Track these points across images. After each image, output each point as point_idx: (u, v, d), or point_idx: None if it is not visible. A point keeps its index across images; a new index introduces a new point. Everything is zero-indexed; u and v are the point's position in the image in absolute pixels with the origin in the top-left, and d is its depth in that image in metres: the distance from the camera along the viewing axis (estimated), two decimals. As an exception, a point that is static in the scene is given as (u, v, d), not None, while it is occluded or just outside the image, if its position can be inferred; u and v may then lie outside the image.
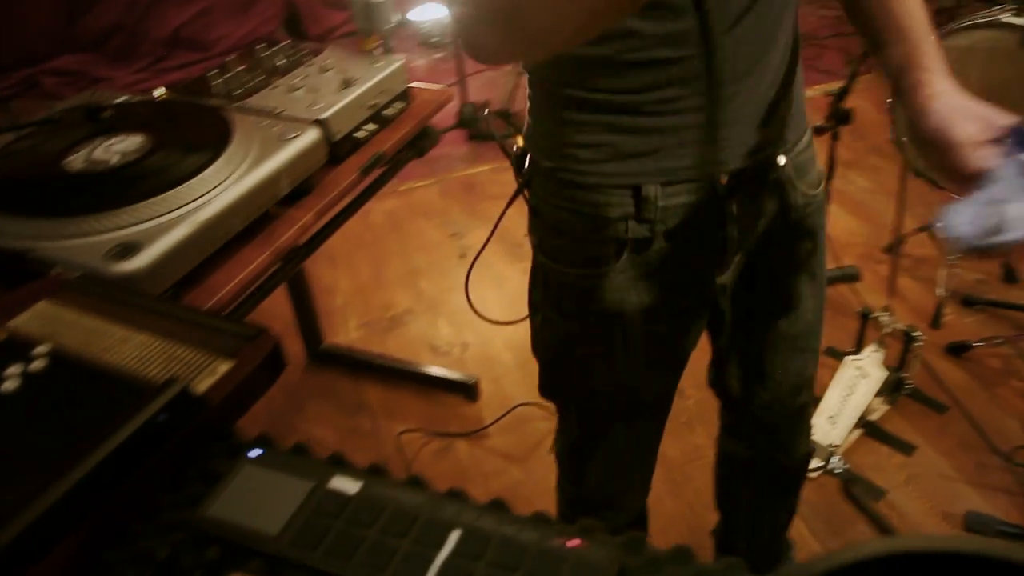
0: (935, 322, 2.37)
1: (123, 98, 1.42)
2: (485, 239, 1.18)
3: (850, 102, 1.98)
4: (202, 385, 0.67)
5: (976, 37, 2.02)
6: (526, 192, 1.03)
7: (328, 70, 1.47)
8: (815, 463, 1.93)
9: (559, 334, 1.07)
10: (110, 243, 1.02)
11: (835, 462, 1.94)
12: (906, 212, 2.32)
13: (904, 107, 0.88)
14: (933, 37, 0.89)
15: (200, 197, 1.09)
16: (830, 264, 1.90)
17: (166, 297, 1.04)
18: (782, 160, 0.99)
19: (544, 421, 2.16)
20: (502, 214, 1.11)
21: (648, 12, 0.79)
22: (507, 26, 0.69)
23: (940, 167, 0.84)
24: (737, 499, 1.49)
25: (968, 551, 0.36)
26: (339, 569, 0.54)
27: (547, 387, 1.17)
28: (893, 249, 2.45)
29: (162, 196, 1.08)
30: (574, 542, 0.54)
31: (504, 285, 2.69)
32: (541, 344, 1.12)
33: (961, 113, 0.83)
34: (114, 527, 0.59)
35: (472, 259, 1.20)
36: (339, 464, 0.63)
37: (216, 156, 1.16)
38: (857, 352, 2.18)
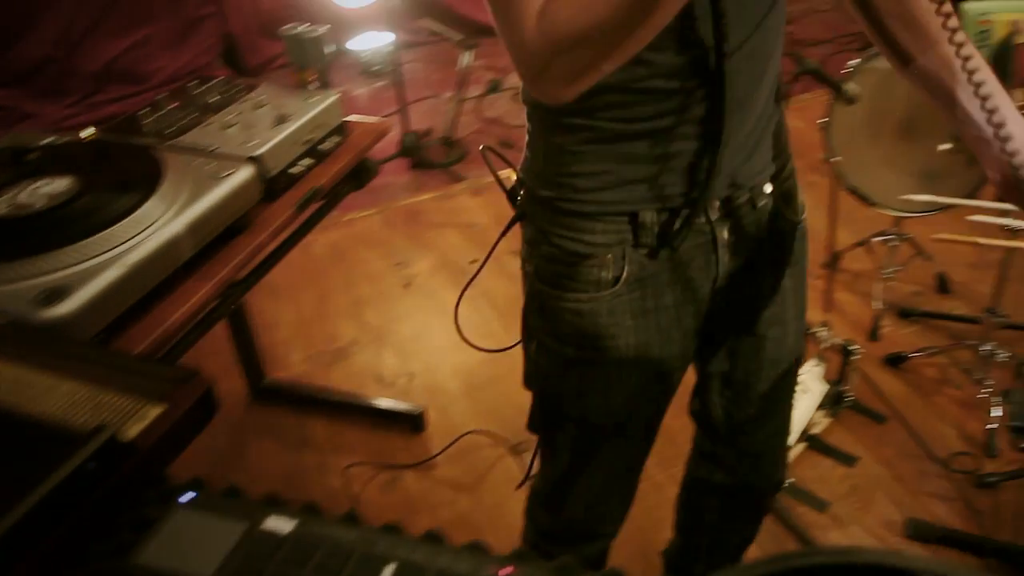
0: (873, 335, 2.44)
1: (50, 139, 1.40)
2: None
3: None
4: (131, 431, 0.66)
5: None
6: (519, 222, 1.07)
7: (262, 106, 1.47)
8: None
9: (556, 360, 1.09)
10: (37, 289, 1.00)
11: (780, 476, 1.99)
12: (841, 228, 2.40)
13: (985, 158, 0.95)
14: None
15: (131, 239, 1.08)
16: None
17: (96, 342, 1.02)
18: (769, 188, 1.03)
19: (492, 449, 2.16)
20: (496, 243, 1.14)
21: (659, 44, 0.81)
22: (593, 45, 0.73)
23: None
24: (702, 523, 1.50)
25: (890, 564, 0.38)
26: (273, 610, 0.54)
27: (539, 418, 1.18)
28: (830, 264, 2.52)
29: (91, 239, 1.06)
30: (507, 570, 0.55)
31: (450, 313, 2.68)
32: (536, 371, 1.13)
33: None
34: (43, 579, 0.58)
35: (466, 282, 1.23)
36: (274, 504, 0.63)
37: (147, 197, 1.15)
38: (797, 368, 2.24)
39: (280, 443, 2.24)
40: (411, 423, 2.24)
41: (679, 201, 0.95)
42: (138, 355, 1.04)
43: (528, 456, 2.08)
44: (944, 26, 0.86)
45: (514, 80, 4.39)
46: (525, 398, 2.30)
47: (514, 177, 1.07)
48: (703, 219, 0.98)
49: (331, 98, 1.51)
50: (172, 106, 1.48)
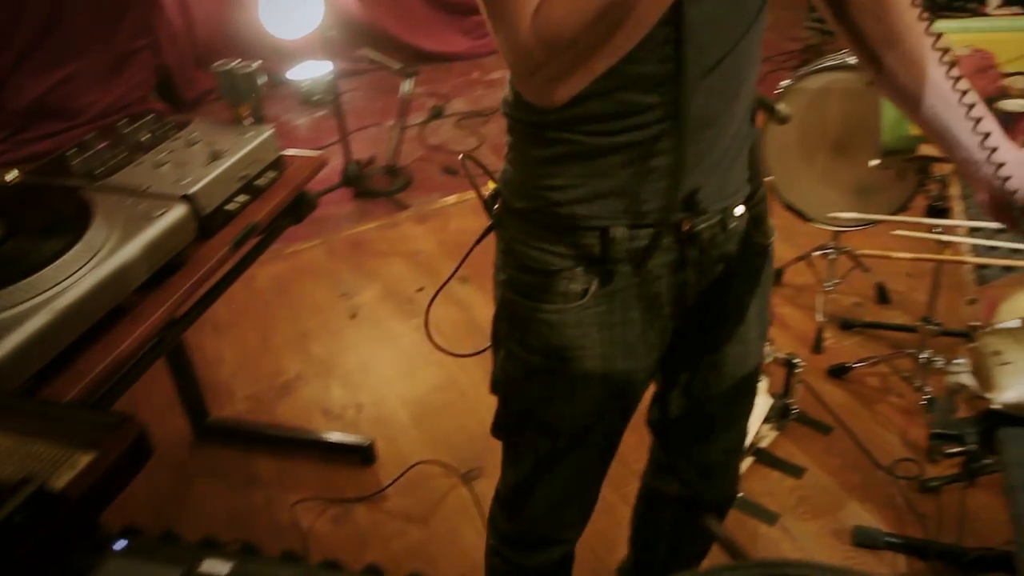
0: (816, 347, 2.50)
1: (-27, 181, 1.36)
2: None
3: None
4: (60, 481, 0.65)
5: (829, 78, 2.18)
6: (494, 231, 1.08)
7: (195, 143, 1.45)
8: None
9: (522, 368, 1.10)
10: (-40, 338, 0.97)
11: (728, 491, 2.01)
12: (783, 243, 2.46)
13: (976, 181, 0.97)
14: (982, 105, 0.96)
15: (58, 284, 1.06)
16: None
17: (24, 390, 0.99)
18: (740, 210, 1.05)
19: (443, 478, 2.15)
20: (468, 253, 1.15)
21: (637, 56, 0.82)
22: (586, 44, 0.75)
23: None
24: (658, 536, 1.52)
25: None
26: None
27: (503, 424, 1.19)
28: (773, 280, 2.57)
29: (16, 286, 1.04)
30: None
31: (398, 342, 2.68)
32: (503, 378, 1.15)
33: None
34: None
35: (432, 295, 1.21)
36: (210, 546, 0.62)
37: (75, 240, 1.13)
38: (741, 383, 2.27)
39: (225, 483, 2.19)
40: (360, 455, 2.21)
41: (649, 219, 0.97)
42: (68, 402, 1.02)
43: (480, 483, 2.09)
44: (933, 47, 0.89)
45: (457, 106, 4.43)
46: (475, 425, 2.32)
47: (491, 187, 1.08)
48: (673, 237, 1.00)
49: (266, 133, 1.50)
50: (101, 146, 1.45)
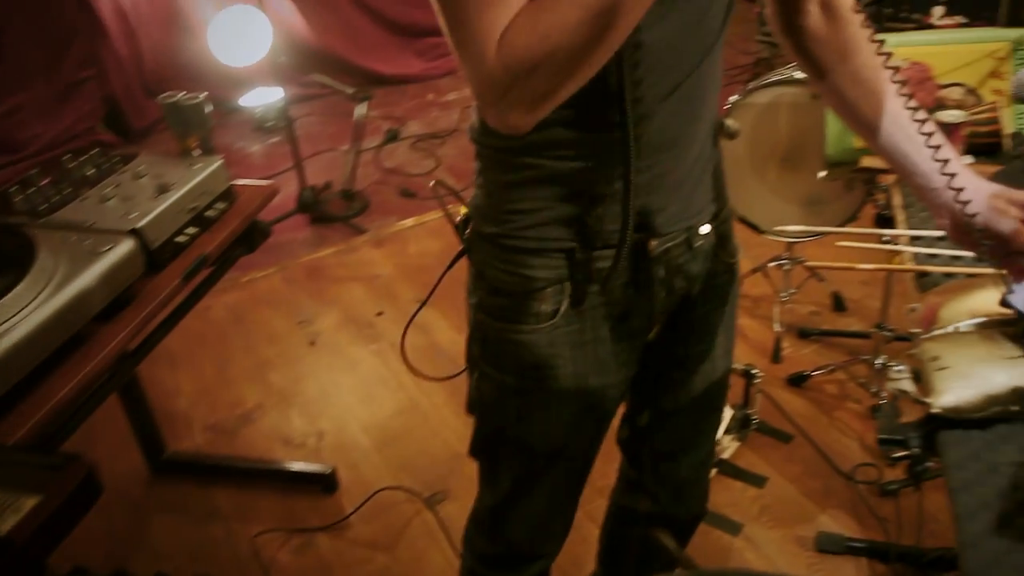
0: (775, 356, 2.53)
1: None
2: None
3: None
4: (5, 525, 0.64)
5: (776, 93, 2.23)
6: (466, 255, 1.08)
7: (142, 176, 1.44)
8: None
9: (496, 388, 1.11)
10: (-102, 384, 0.95)
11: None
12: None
13: (935, 207, 0.99)
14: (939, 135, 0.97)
15: (1, 325, 1.04)
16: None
17: (-33, 436, 0.97)
18: (706, 229, 1.07)
19: (407, 503, 2.13)
20: (439, 279, 1.14)
21: (593, 80, 0.82)
22: (551, 71, 0.75)
23: (992, 255, 0.95)
24: (626, 553, 1.52)
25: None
26: None
27: (480, 444, 1.20)
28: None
29: (-44, 328, 1.02)
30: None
31: (358, 368, 2.66)
32: (479, 399, 1.15)
33: (999, 207, 0.93)
34: None
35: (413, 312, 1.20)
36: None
37: (18, 279, 1.11)
38: (701, 396, 2.30)
39: (184, 517, 2.15)
40: (322, 484, 2.19)
41: (615, 239, 0.98)
42: (12, 445, 0.99)
43: (445, 506, 2.08)
44: (884, 65, 0.91)
45: (412, 128, 4.43)
46: (438, 448, 2.31)
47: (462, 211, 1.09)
48: (640, 256, 1.01)
49: (215, 164, 1.49)
50: (44, 182, 1.43)
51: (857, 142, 1.72)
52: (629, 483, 1.43)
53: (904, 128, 0.99)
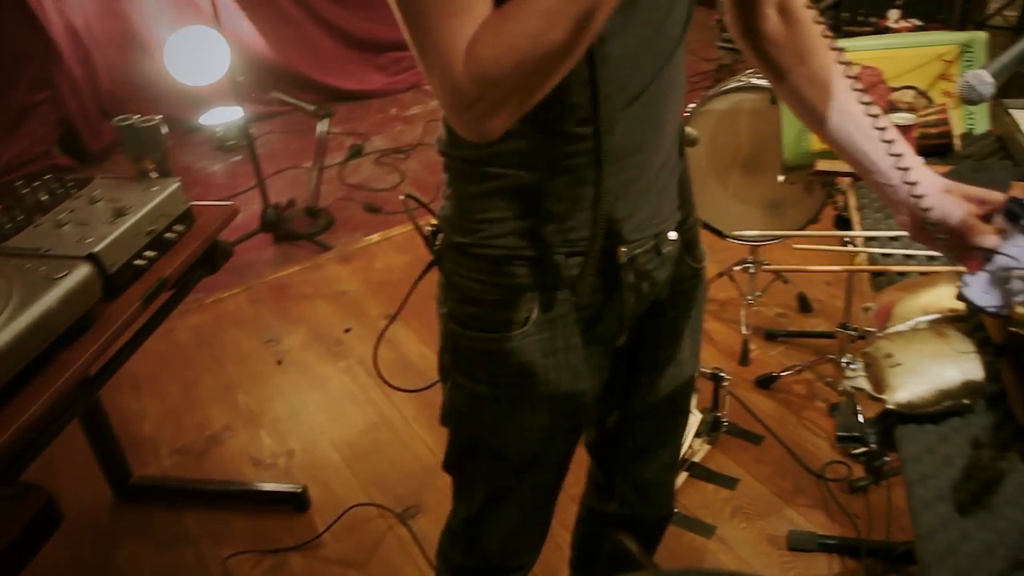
0: (743, 359, 2.56)
1: None
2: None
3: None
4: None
5: (735, 99, 2.26)
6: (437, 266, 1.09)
7: (98, 200, 1.42)
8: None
9: (469, 397, 1.11)
10: None
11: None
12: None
13: (893, 203, 1.00)
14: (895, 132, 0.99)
15: (-46, 355, 1.02)
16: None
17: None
18: (674, 235, 1.08)
19: (380, 519, 2.12)
20: (410, 291, 1.13)
21: (556, 89, 0.83)
22: (518, 81, 0.76)
23: (948, 250, 0.96)
24: (597, 555, 1.53)
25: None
26: None
27: (454, 456, 1.20)
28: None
29: (-93, 361, 0.99)
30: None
31: (327, 385, 2.64)
32: (452, 409, 1.15)
33: (953, 201, 0.94)
34: None
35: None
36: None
37: (-30, 308, 1.09)
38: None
39: (152, 543, 2.12)
40: (293, 503, 2.17)
41: (583, 246, 0.99)
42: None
43: (418, 520, 2.07)
44: (837, 62, 0.92)
45: (376, 144, 4.42)
46: (410, 462, 2.30)
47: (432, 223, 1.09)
48: (608, 263, 1.02)
49: (172, 187, 1.48)
50: (-4, 209, 1.41)
51: (813, 145, 1.75)
52: (597, 486, 1.44)
53: (861, 126, 1.01)
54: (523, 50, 0.75)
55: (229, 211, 1.66)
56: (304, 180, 3.85)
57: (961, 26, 3.50)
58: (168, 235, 1.47)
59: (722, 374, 2.22)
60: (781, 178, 1.88)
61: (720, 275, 2.72)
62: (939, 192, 0.96)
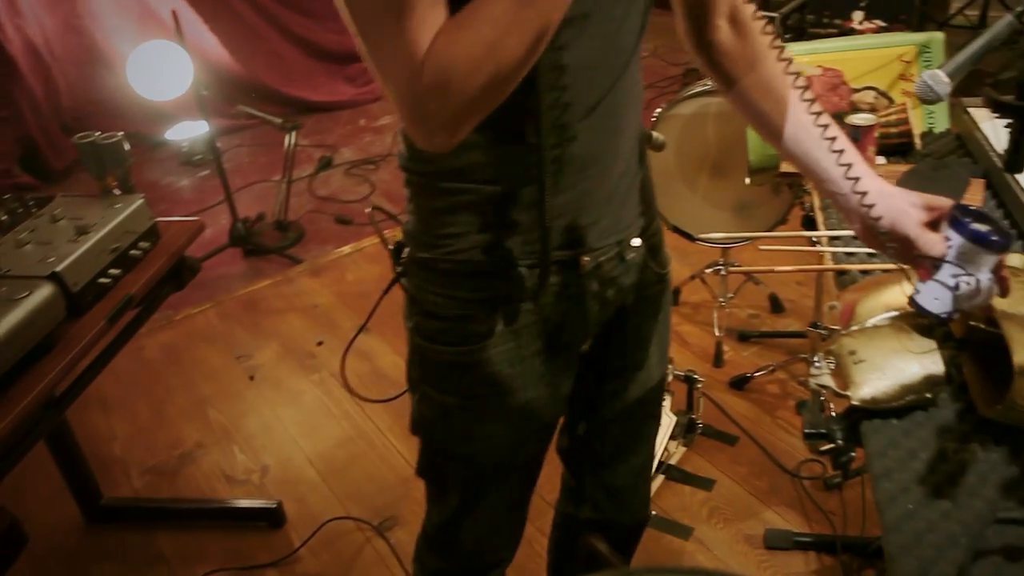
0: (717, 360, 2.58)
1: None
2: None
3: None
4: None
5: (702, 103, 2.29)
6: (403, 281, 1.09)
7: (60, 219, 1.40)
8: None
9: (437, 408, 1.11)
10: None
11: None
12: (676, 263, 2.53)
13: (845, 211, 1.01)
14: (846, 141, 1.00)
15: (-88, 380, 1.00)
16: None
17: None
18: (637, 242, 1.09)
19: (357, 532, 2.10)
20: (375, 306, 1.14)
21: (508, 101, 0.83)
22: (489, 76, 0.76)
23: (898, 257, 0.97)
24: (573, 562, 1.52)
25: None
26: None
27: (426, 463, 1.20)
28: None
29: None
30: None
31: (300, 399, 2.62)
32: (421, 419, 1.16)
33: (903, 209, 0.96)
34: None
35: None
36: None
37: (-71, 332, 1.07)
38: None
39: (124, 565, 2.08)
40: (269, 519, 2.15)
41: (542, 257, 0.99)
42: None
43: (396, 531, 2.05)
44: (786, 72, 0.94)
45: (346, 155, 4.41)
46: (386, 473, 2.29)
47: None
48: (572, 272, 1.03)
49: (136, 203, 1.46)
50: (-45, 230, 1.39)
51: (777, 147, 1.77)
52: (570, 491, 1.44)
53: (812, 135, 1.02)
54: (479, 58, 0.75)
55: (195, 226, 1.65)
56: (273, 193, 3.82)
57: (921, 26, 3.56)
58: (133, 252, 1.45)
59: (696, 376, 2.24)
60: (748, 180, 1.90)
61: (692, 278, 2.74)
62: (888, 200, 0.98)
